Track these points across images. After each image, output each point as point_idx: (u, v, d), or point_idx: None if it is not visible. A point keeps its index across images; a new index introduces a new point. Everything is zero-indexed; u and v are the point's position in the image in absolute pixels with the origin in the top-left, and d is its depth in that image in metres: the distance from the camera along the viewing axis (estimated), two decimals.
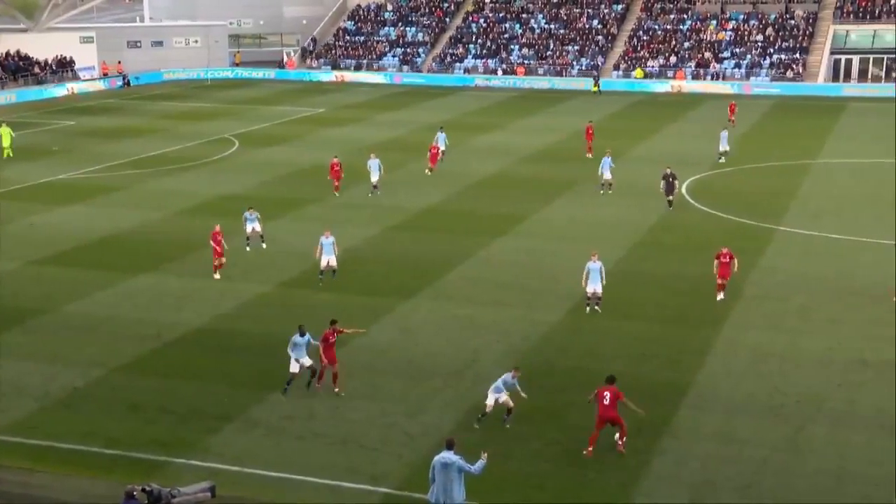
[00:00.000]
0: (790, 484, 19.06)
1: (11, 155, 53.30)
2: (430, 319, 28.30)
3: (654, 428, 21.22)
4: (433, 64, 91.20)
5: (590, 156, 50.82)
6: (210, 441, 20.94)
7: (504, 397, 21.33)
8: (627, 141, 56.70)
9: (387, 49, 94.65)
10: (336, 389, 23.05)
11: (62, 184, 47.08)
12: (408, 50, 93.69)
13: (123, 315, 28.73)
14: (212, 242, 32.17)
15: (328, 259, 31.49)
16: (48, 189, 45.86)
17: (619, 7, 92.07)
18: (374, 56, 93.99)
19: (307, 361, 23.10)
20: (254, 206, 36.30)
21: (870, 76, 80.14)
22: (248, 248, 34.90)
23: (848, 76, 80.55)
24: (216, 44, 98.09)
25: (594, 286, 28.26)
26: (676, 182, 40.48)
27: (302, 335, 23.14)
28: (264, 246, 35.09)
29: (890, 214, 39.06)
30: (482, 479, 17.57)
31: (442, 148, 50.74)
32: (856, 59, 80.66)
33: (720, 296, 29.29)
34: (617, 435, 20.42)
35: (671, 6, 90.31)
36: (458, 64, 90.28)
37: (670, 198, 40.07)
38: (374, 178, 43.17)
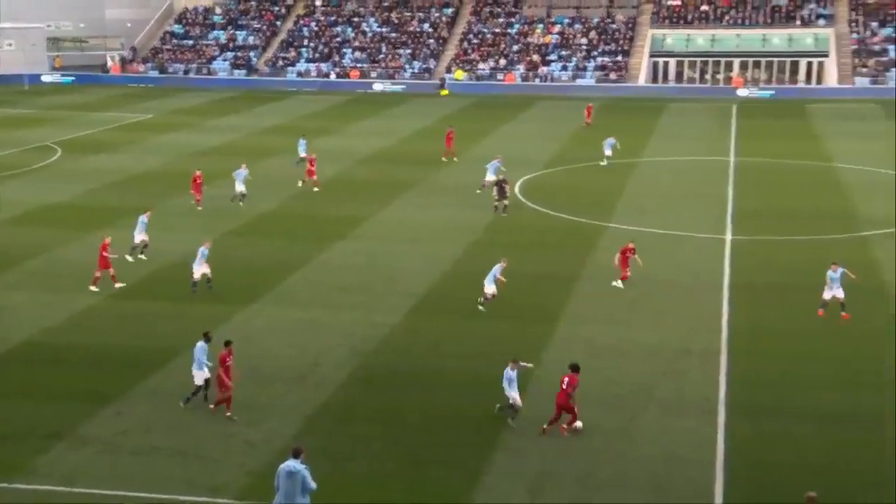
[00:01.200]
0: (624, 470, 19.85)
1: None
2: (271, 325, 27.95)
3: (494, 424, 21.65)
4: (265, 68, 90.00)
5: (444, 159, 51.47)
6: (38, 462, 19.99)
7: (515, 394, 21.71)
8: (462, 143, 57.57)
9: (217, 53, 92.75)
10: (228, 413, 21.82)
11: None
12: (239, 54, 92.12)
13: None
14: (104, 253, 30.46)
15: (202, 270, 30.22)
16: None
17: (450, 11, 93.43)
18: (204, 60, 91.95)
19: (207, 373, 22.36)
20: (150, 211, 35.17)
21: (685, 78, 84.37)
22: (130, 258, 33.49)
23: (666, 78, 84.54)
24: (33, 47, 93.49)
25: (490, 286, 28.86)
26: (507, 187, 40.84)
27: (207, 341, 22.47)
28: (143, 257, 33.88)
29: (710, 210, 41.21)
30: (325, 481, 17.47)
31: (303, 155, 50.11)
32: (672, 61, 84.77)
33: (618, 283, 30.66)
34: (567, 422, 21.03)
35: (499, 10, 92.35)
36: (290, 67, 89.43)
37: (505, 202, 40.08)
38: (241, 187, 41.96)
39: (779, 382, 23.94)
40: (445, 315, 28.71)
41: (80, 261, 33.78)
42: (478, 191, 43.95)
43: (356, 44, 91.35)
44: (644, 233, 37.70)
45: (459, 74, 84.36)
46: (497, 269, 28.86)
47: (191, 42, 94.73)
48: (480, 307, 28.23)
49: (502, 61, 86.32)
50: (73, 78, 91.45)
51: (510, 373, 21.79)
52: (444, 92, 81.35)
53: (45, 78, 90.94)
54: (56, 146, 57.02)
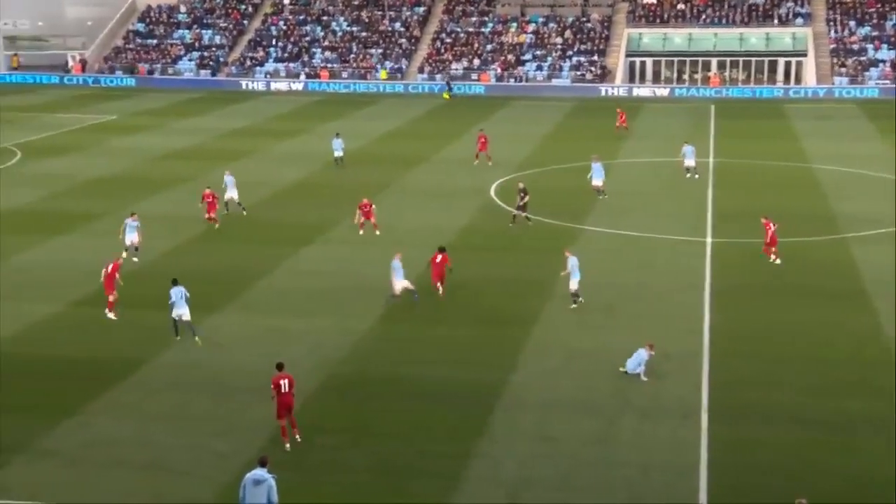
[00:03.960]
0: (602, 476, 19.92)
1: None
2: (238, 333, 27.81)
3: (470, 431, 21.66)
4: (232, 68, 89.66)
5: (477, 163, 50.82)
6: None
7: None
8: (435, 143, 57.65)
9: (182, 52, 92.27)
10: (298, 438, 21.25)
11: None
12: (205, 53, 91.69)
13: None
14: (115, 276, 28.74)
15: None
16: None
17: (421, 10, 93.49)
18: (169, 60, 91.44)
19: (186, 314, 26.47)
20: (136, 213, 35.11)
21: (662, 78, 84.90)
22: (136, 259, 33.78)
23: (643, 78, 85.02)
24: None
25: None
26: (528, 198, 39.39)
27: (175, 284, 26.71)
28: (136, 260, 33.88)
29: (689, 212, 41.45)
30: (296, 494, 17.39)
31: (339, 154, 50.11)
32: (649, 61, 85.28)
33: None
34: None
35: (472, 9, 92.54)
36: (258, 68, 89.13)
37: (524, 214, 39.03)
38: (233, 193, 40.97)
39: (761, 385, 24.11)
40: (418, 321, 28.68)
41: (40, 268, 33.49)
42: (600, 198, 43.02)
43: (326, 43, 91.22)
44: (621, 235, 37.86)
45: (384, 74, 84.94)
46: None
47: (155, 41, 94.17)
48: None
49: (476, 61, 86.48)
50: (31, 78, 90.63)
51: (644, 355, 24.18)
52: (447, 95, 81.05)
53: (2, 78, 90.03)
54: (15, 149, 56.48)
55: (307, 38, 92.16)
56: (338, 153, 50.82)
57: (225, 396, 23.53)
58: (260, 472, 16.73)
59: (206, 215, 38.71)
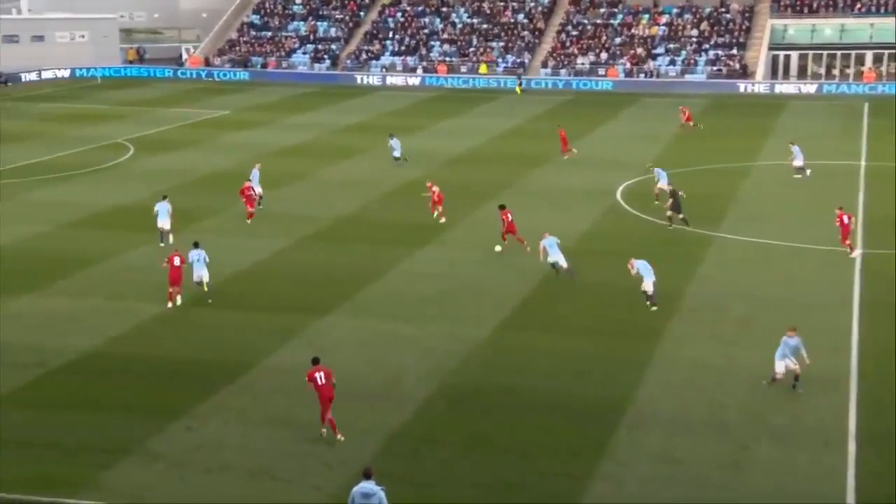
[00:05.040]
0: None
1: None
2: (347, 338, 28.21)
3: (591, 450, 21.46)
4: (347, 62, 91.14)
5: (565, 157, 52.46)
6: (103, 477, 20.51)
7: (791, 363, 23.86)
8: (554, 143, 57.39)
9: (297, 45, 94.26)
10: (324, 431, 22.10)
11: None
12: (319, 46, 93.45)
13: (4, 340, 27.99)
14: (174, 262, 30.57)
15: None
16: None
17: (546, 0, 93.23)
18: (283, 53, 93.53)
19: (206, 276, 30.39)
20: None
21: (809, 73, 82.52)
22: (162, 244, 35.42)
23: (787, 73, 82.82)
24: (105, 39, 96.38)
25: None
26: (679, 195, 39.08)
27: (196, 247, 30.74)
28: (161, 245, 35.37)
29: (829, 219, 40.16)
30: None
31: (397, 154, 51.32)
32: (795, 55, 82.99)
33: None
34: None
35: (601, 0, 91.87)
36: (374, 61, 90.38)
37: (681, 216, 38.58)
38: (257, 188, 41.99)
39: None
40: (537, 331, 28.58)
41: (148, 266, 34.60)
42: (655, 202, 42.54)
43: (445, 36, 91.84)
44: (759, 244, 36.96)
45: (484, 68, 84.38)
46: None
47: (269, 34, 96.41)
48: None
49: (603, 55, 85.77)
50: (146, 71, 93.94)
51: (791, 342, 23.93)
52: (519, 90, 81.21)
53: (118, 71, 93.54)
54: (128, 143, 58.62)
55: (425, 31, 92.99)
56: (396, 153, 51.58)
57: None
58: (368, 485, 16.90)
59: (248, 210, 39.96)
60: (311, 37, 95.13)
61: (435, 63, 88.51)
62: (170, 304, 30.51)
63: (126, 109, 73.29)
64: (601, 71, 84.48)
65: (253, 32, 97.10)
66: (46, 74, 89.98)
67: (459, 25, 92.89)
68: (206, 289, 30.86)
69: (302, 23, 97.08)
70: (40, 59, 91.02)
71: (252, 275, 33.86)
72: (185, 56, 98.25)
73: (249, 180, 41.69)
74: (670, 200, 38.90)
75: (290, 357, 26.74)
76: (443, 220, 39.80)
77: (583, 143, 57.63)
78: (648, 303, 29.93)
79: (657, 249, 36.42)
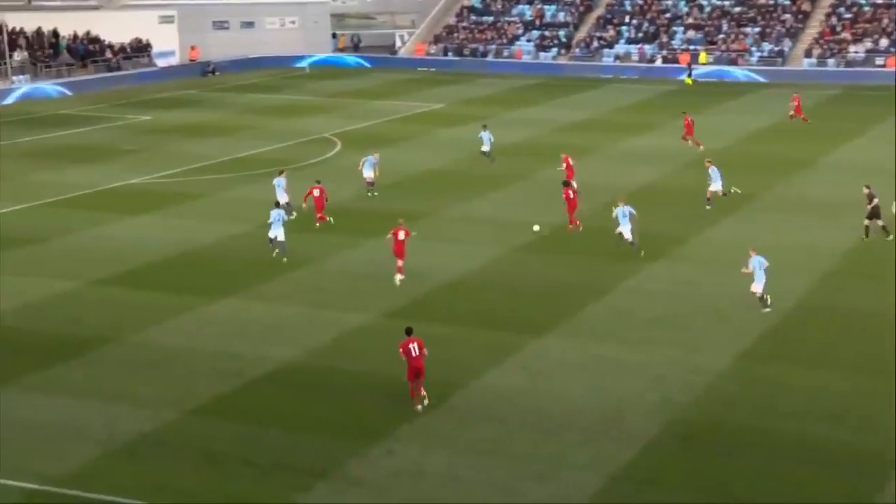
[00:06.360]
0: None
1: None
2: (565, 361, 28.21)
3: None
4: (576, 50, 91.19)
5: (697, 146, 54.31)
6: (299, 501, 21.28)
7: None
8: (817, 145, 55.54)
9: (520, 32, 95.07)
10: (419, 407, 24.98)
11: (133, 189, 48.82)
12: (546, 33, 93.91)
13: (200, 347, 29.55)
14: (399, 235, 34.19)
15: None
16: (117, 195, 47.62)
17: None
18: (505, 40, 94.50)
19: (281, 235, 36.00)
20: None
21: None
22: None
23: None
24: (316, 25, 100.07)
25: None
26: (876, 200, 38.73)
27: (278, 206, 37.21)
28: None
29: None
30: None
31: (486, 148, 51.89)
32: None
33: None
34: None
35: None
36: (606, 50, 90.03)
37: (880, 222, 38.17)
38: (284, 197, 41.82)
39: None
40: (785, 363, 27.74)
41: (352, 273, 35.72)
42: (707, 206, 42.72)
43: (690, 20, 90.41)
44: None
45: (704, 58, 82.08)
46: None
47: (491, 19, 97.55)
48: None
49: (882, 42, 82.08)
50: (357, 60, 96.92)
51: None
52: (689, 80, 79.92)
53: (328, 60, 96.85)
54: (335, 138, 60.72)
55: (667, 15, 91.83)
56: (484, 148, 51.88)
57: (548, 433, 23.90)
58: None
59: (317, 215, 40.69)
60: (537, 22, 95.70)
61: (677, 52, 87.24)
62: (400, 277, 33.98)
63: (334, 101, 75.94)
64: (879, 60, 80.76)
65: (473, 17, 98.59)
66: (254, 63, 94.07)
67: (708, 9, 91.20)
68: (278, 249, 36.28)
69: (527, 6, 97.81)
70: (249, 46, 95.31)
71: (461, 286, 34.37)
72: (398, 43, 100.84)
73: (319, 182, 41.82)
74: (869, 207, 38.13)
75: (501, 379, 26.98)
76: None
77: (856, 146, 55.51)
78: (763, 305, 30.78)
79: None
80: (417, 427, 24.38)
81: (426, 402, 24.96)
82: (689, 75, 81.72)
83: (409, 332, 25.32)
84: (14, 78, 77.56)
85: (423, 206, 44.34)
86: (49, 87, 78.79)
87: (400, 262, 34.25)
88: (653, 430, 24.00)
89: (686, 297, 33.00)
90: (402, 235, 34.24)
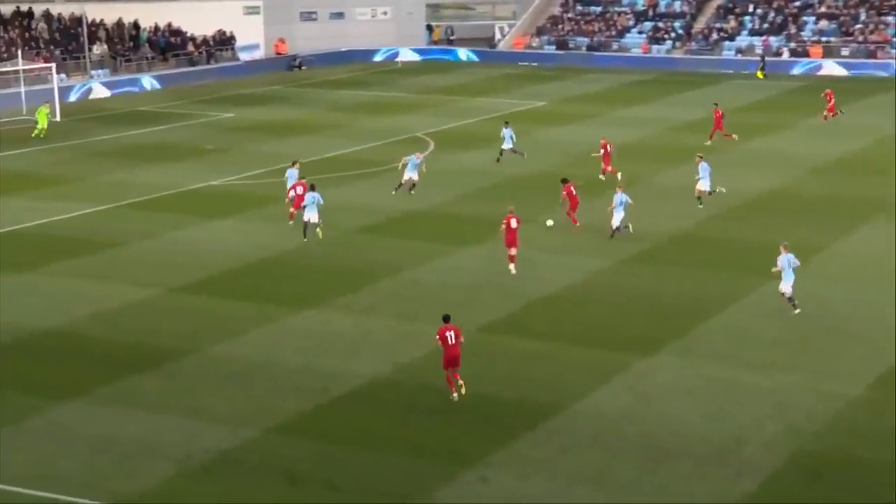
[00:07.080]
0: None
1: (43, 137, 60.50)
2: (677, 383, 27.93)
3: None
4: (693, 43, 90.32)
5: (734, 137, 55.98)
6: None
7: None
8: None
9: (631, 23, 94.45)
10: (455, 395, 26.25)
11: (215, 191, 49.53)
12: (660, 24, 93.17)
13: (283, 361, 29.79)
14: (512, 222, 35.59)
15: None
16: (198, 197, 48.36)
17: None
18: (615, 33, 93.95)
19: (315, 217, 39.09)
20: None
21: None
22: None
23: None
24: (410, 16, 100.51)
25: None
26: None
27: (312, 189, 39.65)
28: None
29: None
30: None
31: (509, 146, 52.92)
32: None
33: None
34: None
35: None
36: (727, 42, 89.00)
37: None
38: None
39: None
40: None
41: (440, 283, 35.71)
42: (699, 206, 42.75)
43: (822, 10, 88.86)
44: None
45: (760, 74, 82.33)
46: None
47: (599, 9, 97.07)
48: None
49: None
50: (453, 53, 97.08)
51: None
52: (761, 74, 79.54)
53: (422, 53, 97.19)
54: (428, 138, 60.89)
55: (797, 4, 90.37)
56: (506, 145, 53.12)
57: (657, 462, 23.63)
58: None
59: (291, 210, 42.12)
60: (650, 12, 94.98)
61: (807, 44, 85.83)
62: (513, 267, 35.70)
63: (428, 98, 76.23)
64: None
65: (580, 8, 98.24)
66: (343, 57, 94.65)
67: None
68: (315, 231, 39.41)
69: None
70: (338, 39, 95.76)
71: (563, 300, 34.18)
72: (498, 36, 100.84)
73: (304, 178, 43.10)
74: None
75: (605, 402, 26.75)
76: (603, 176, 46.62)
77: None
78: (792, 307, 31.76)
79: None
80: (514, 452, 24.28)
81: (463, 390, 26.39)
82: (762, 68, 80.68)
83: (446, 319, 26.78)
84: (93, 72, 79.27)
85: (519, 212, 44.06)
86: (128, 81, 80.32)
87: (513, 251, 35.59)
88: (775, 463, 23.62)
89: (812, 316, 32.42)
90: (514, 223, 35.61)
